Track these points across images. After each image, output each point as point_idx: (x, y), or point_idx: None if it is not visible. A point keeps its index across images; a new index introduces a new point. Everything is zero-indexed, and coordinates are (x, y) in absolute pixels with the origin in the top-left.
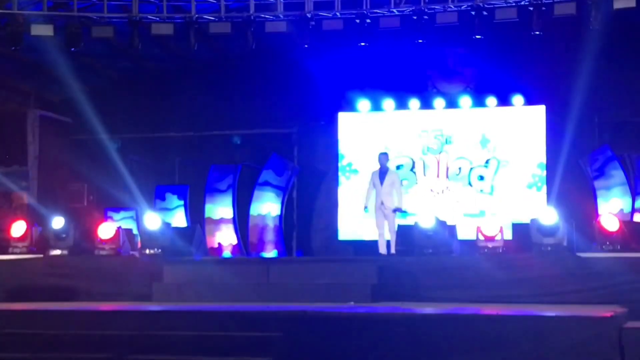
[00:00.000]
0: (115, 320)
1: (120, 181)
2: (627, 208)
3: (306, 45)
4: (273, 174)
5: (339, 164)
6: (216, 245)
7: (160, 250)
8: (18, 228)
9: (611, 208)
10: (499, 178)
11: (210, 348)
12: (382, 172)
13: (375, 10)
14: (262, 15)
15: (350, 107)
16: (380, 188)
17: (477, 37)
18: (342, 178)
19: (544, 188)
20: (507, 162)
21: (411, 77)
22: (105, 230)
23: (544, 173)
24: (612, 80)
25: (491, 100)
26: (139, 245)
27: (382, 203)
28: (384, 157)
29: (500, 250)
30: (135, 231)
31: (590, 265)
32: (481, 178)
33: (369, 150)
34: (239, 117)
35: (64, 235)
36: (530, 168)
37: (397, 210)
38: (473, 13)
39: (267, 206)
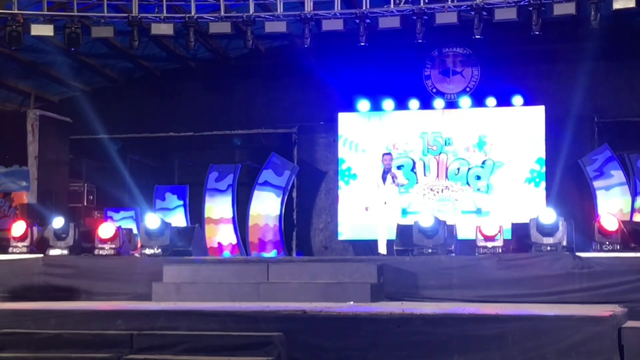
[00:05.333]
0: (114, 320)
1: (120, 181)
2: (627, 208)
3: (306, 45)
4: (273, 174)
5: (339, 168)
6: (216, 245)
7: (160, 250)
8: (18, 228)
9: (610, 208)
10: (495, 177)
11: (209, 348)
12: (385, 172)
13: (374, 10)
14: (262, 15)
15: (350, 107)
16: (383, 188)
17: (477, 37)
18: (341, 183)
19: (542, 184)
20: (502, 163)
21: (411, 77)
22: (105, 230)
23: (543, 169)
24: (611, 80)
25: (490, 101)
26: (139, 245)
27: (384, 203)
28: (387, 157)
29: (500, 250)
30: (135, 231)
31: (589, 265)
32: (478, 178)
33: (368, 151)
34: (239, 117)
35: (63, 235)
36: (529, 164)
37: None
38: (473, 13)
39: (267, 206)
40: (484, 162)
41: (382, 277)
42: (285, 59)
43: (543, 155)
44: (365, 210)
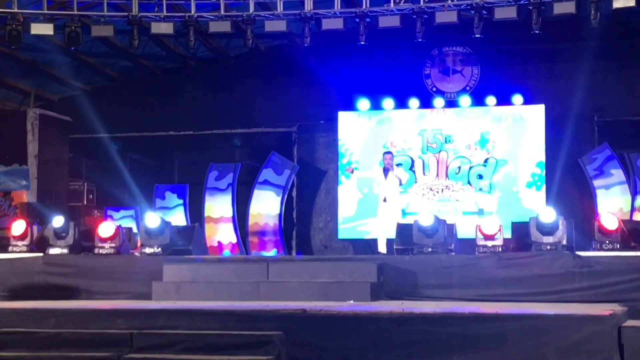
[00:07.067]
0: (114, 319)
1: (120, 180)
2: (627, 207)
3: (306, 44)
4: (273, 173)
5: (339, 163)
6: (216, 244)
7: (159, 249)
8: (18, 227)
9: (610, 207)
10: (498, 177)
11: (209, 347)
12: (386, 171)
13: (374, 9)
14: (262, 14)
15: (350, 106)
16: (383, 186)
17: (477, 36)
18: (342, 177)
19: (544, 187)
20: (506, 161)
21: (411, 76)
22: (105, 229)
23: (544, 172)
24: (611, 79)
25: (490, 100)
26: (139, 244)
27: (384, 200)
28: (388, 156)
29: (500, 249)
30: (135, 230)
31: (589, 264)
32: (480, 177)
33: (368, 150)
34: (239, 117)
35: (63, 234)
36: (530, 167)
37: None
38: (472, 12)
39: (267, 205)
40: (486, 160)
41: (382, 276)
42: (285, 58)
43: (543, 158)
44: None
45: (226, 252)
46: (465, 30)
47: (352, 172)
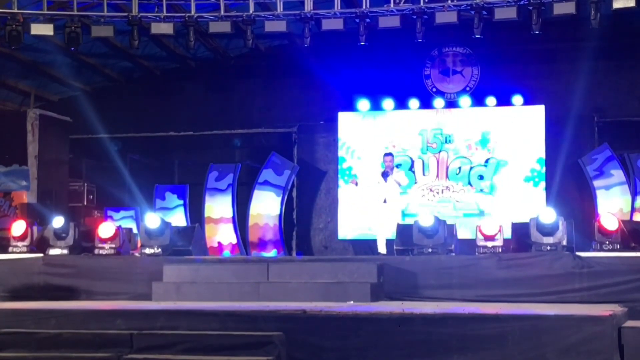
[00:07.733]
0: (114, 319)
1: (120, 181)
2: (627, 207)
3: (306, 45)
4: (273, 173)
5: (339, 167)
6: (216, 245)
7: (159, 250)
8: (18, 227)
9: (610, 207)
10: (499, 177)
11: (209, 347)
12: (385, 173)
13: (374, 9)
14: (262, 14)
15: (350, 106)
16: (383, 187)
17: (477, 36)
18: (340, 182)
19: (542, 184)
20: (507, 161)
21: (411, 77)
22: (105, 230)
23: (543, 169)
24: (611, 80)
25: (490, 100)
26: (139, 244)
27: (384, 201)
28: (388, 157)
29: (500, 250)
30: (135, 230)
31: (589, 265)
32: (481, 177)
33: (368, 151)
34: (239, 117)
35: (63, 235)
36: (529, 163)
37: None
38: (472, 12)
39: (267, 205)
40: (487, 161)
41: (382, 276)
42: (285, 59)
43: (543, 155)
44: (354, 185)
45: (226, 253)
46: (465, 30)
47: (356, 184)
